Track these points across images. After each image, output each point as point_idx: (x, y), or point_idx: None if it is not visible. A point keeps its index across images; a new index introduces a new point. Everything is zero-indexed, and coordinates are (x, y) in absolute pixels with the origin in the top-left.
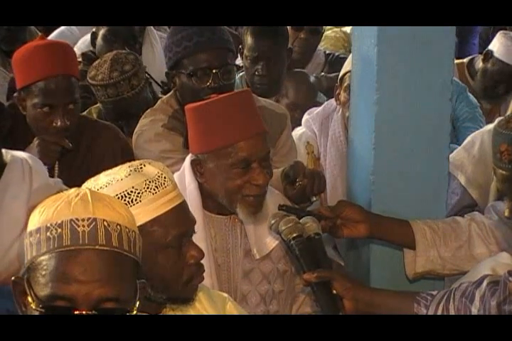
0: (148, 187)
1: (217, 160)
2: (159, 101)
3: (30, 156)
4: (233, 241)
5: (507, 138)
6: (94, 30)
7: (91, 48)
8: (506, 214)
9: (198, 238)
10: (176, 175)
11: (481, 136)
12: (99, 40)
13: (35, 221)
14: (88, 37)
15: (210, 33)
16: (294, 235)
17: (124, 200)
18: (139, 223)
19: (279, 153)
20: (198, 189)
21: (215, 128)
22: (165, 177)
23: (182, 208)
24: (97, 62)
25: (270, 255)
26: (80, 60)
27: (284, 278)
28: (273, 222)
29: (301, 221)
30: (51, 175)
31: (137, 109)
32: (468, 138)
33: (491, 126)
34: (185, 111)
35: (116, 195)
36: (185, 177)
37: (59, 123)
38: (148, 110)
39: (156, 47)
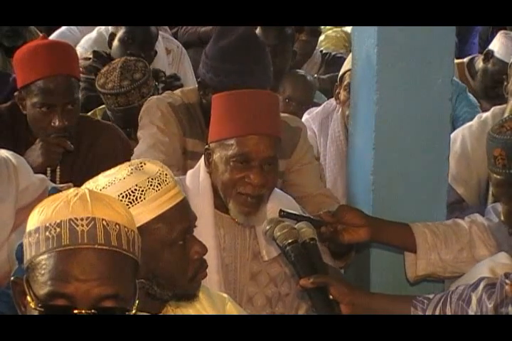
0: (151, 185)
1: (221, 151)
2: (179, 90)
3: (13, 154)
4: (242, 242)
5: (500, 142)
6: (112, 31)
7: (94, 47)
8: (502, 218)
9: (207, 236)
10: (190, 172)
11: (461, 132)
12: (115, 42)
13: (34, 221)
14: (91, 35)
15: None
16: (290, 241)
17: (129, 199)
18: (143, 221)
19: (294, 168)
20: (211, 186)
21: (226, 119)
22: (166, 174)
23: (184, 204)
24: (105, 69)
25: (278, 258)
26: (90, 56)
27: (291, 282)
28: (268, 227)
29: (296, 226)
30: (53, 177)
31: None
32: (451, 136)
33: (471, 122)
34: (212, 100)
35: (120, 193)
36: (199, 174)
37: (57, 123)
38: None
39: (157, 46)
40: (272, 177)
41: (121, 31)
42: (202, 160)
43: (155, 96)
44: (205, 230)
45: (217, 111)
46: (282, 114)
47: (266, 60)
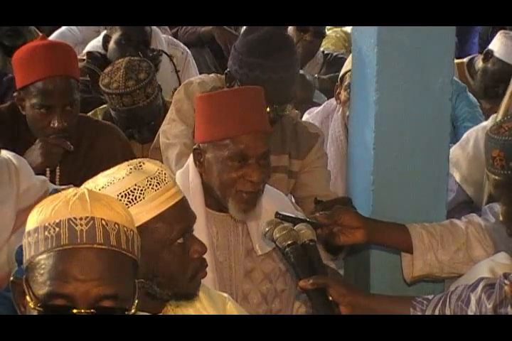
0: (150, 184)
1: (215, 151)
2: (213, 75)
3: (14, 155)
4: (235, 239)
5: (499, 143)
6: (106, 33)
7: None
8: (500, 218)
9: (200, 235)
10: (179, 172)
11: (475, 132)
12: (111, 44)
13: (33, 220)
14: (98, 42)
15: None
16: (289, 242)
17: (128, 198)
18: (143, 220)
19: (306, 169)
20: (201, 185)
21: (217, 119)
22: (165, 174)
23: (183, 203)
24: (108, 69)
25: (272, 254)
26: (84, 58)
27: (285, 277)
28: (267, 229)
29: (295, 227)
30: (52, 177)
31: (150, 117)
32: (464, 136)
33: (485, 123)
34: (195, 101)
35: (120, 193)
36: (188, 174)
37: (56, 125)
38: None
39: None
40: (268, 171)
41: (116, 34)
42: (190, 159)
43: (194, 79)
44: (197, 229)
45: (206, 112)
46: (302, 121)
47: (291, 58)
